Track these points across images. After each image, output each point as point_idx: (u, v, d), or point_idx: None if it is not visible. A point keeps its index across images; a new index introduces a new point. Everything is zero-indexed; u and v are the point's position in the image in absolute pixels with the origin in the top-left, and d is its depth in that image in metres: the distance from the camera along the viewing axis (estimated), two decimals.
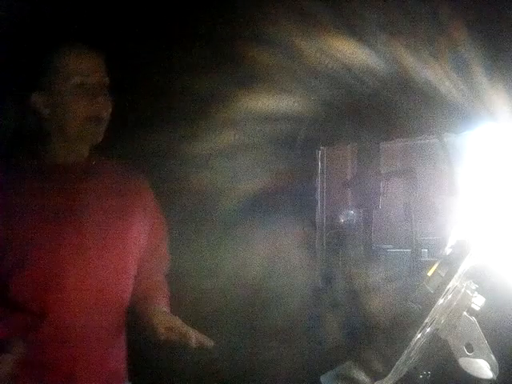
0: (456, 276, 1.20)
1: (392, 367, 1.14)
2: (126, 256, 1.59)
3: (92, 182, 1.56)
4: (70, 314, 1.47)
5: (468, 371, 1.18)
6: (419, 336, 1.16)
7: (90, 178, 1.56)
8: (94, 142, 1.55)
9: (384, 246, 3.84)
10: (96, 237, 1.52)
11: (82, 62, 1.49)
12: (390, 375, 1.14)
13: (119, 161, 1.72)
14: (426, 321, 1.17)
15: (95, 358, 1.51)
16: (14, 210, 1.46)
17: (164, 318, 1.52)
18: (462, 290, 1.22)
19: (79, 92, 1.48)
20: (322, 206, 3.64)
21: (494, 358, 1.19)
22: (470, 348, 1.19)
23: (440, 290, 1.20)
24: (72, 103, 1.48)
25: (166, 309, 1.61)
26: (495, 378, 1.19)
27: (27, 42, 1.91)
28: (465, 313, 1.21)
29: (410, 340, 1.16)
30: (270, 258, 2.69)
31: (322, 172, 3.48)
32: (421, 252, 3.44)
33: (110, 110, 1.54)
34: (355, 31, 2.13)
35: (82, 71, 1.48)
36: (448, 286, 1.20)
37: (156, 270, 1.75)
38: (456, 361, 1.19)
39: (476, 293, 1.23)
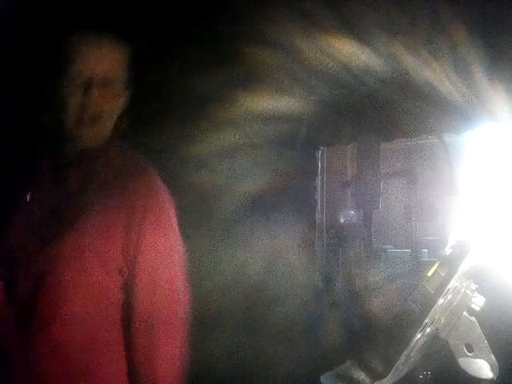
0: (456, 276, 1.20)
1: (392, 367, 1.14)
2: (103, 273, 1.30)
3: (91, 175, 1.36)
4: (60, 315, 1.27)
5: (468, 371, 1.18)
6: (419, 336, 1.16)
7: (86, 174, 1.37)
8: (92, 139, 1.36)
9: (384, 246, 3.85)
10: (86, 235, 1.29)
11: (83, 52, 1.33)
12: (389, 375, 1.14)
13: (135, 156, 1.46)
14: (426, 321, 1.17)
15: (88, 366, 1.29)
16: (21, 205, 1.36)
17: None
18: (462, 290, 1.22)
19: (72, 86, 1.32)
20: (322, 206, 3.65)
21: (493, 358, 1.19)
22: (470, 348, 1.19)
23: (440, 290, 1.20)
24: (65, 97, 1.33)
25: None
26: (495, 378, 1.19)
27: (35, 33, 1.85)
28: (465, 313, 1.21)
29: (410, 340, 1.16)
30: (270, 258, 2.69)
31: (322, 172, 3.49)
32: (421, 252, 3.45)
33: (109, 108, 1.37)
34: (355, 31, 2.13)
35: (79, 63, 1.32)
36: (448, 286, 1.20)
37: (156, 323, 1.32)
38: (456, 361, 1.19)
39: (476, 293, 1.22)
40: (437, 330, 1.20)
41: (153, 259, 1.33)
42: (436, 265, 1.26)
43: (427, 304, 1.19)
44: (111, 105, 1.37)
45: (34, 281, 1.27)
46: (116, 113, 1.41)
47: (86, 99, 1.32)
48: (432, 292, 1.22)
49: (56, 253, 1.28)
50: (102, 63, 1.34)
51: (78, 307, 1.27)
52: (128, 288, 1.32)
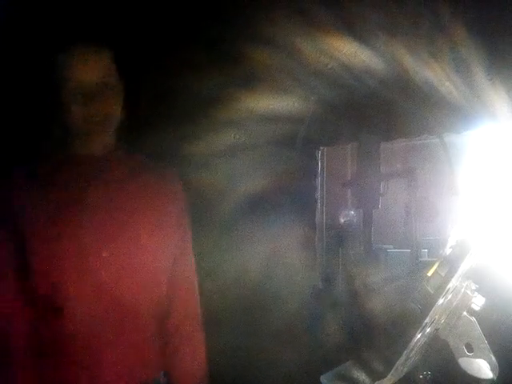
0: (456, 276, 1.20)
1: (392, 367, 1.14)
2: (151, 260, 1.59)
3: (119, 173, 1.59)
4: (85, 310, 1.46)
5: (468, 371, 1.18)
6: (419, 336, 1.16)
7: (116, 170, 1.59)
8: (102, 140, 1.58)
9: (384, 246, 3.84)
10: (118, 231, 1.53)
11: (78, 64, 1.51)
12: (389, 375, 1.14)
13: (157, 160, 1.74)
14: (426, 321, 1.17)
15: (112, 354, 1.49)
16: (38, 202, 1.49)
17: None
18: (462, 290, 1.22)
19: (75, 94, 1.50)
20: (322, 206, 3.65)
21: (493, 358, 1.19)
22: (470, 348, 1.19)
23: (440, 290, 1.20)
24: (70, 105, 1.51)
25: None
26: (495, 378, 1.19)
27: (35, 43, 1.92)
28: (465, 313, 1.21)
29: (410, 340, 1.16)
30: (270, 258, 2.69)
31: (322, 172, 3.49)
32: (421, 252, 3.44)
33: (113, 109, 1.56)
34: (355, 31, 2.13)
35: (77, 73, 1.50)
36: (448, 286, 1.20)
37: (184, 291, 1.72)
38: (456, 361, 1.19)
39: (476, 293, 1.22)
40: (437, 330, 1.20)
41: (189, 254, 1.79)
42: (436, 265, 1.26)
43: (427, 304, 1.20)
44: (113, 106, 1.55)
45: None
46: (118, 115, 1.58)
47: (91, 103, 1.49)
48: (432, 292, 1.22)
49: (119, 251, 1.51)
50: (96, 70, 1.52)
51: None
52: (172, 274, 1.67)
